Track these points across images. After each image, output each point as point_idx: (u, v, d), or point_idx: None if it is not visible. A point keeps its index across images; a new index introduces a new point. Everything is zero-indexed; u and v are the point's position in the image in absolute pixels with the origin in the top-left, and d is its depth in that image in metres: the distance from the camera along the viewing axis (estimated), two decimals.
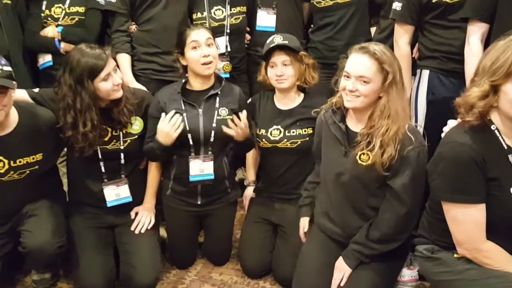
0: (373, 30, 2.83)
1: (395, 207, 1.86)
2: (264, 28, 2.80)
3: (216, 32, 2.57)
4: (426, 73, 2.30)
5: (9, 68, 1.90)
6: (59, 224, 2.17)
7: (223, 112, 2.31)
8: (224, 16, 2.72)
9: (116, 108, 2.18)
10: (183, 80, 2.36)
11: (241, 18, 2.78)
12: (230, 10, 2.74)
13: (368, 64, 1.83)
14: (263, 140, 2.39)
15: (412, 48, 2.41)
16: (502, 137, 1.59)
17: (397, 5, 2.31)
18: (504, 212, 1.57)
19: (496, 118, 1.59)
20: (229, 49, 2.74)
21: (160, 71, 2.66)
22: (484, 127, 1.59)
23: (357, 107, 1.87)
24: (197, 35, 2.26)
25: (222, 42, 2.68)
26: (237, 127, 2.21)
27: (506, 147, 1.58)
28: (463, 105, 1.61)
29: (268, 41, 2.34)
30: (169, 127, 2.18)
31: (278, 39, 2.29)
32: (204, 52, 2.24)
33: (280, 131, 2.37)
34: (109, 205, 2.27)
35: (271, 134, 2.38)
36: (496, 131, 1.59)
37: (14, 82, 1.90)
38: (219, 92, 2.33)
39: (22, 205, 2.16)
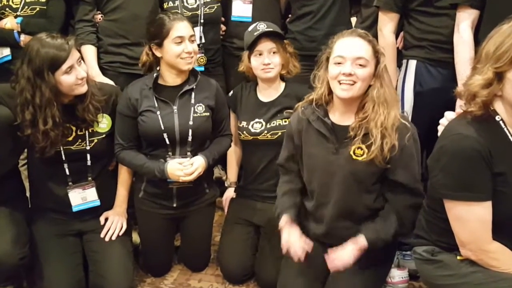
0: (353, 20, 2.73)
1: (409, 201, 1.77)
2: (240, 18, 2.68)
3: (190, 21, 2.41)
4: (413, 63, 2.20)
5: None
6: (20, 233, 2.01)
7: (200, 108, 2.19)
8: (198, 5, 2.57)
9: (80, 105, 2.01)
10: (155, 74, 2.19)
11: (215, 7, 2.64)
12: None
13: (363, 45, 1.75)
14: (244, 132, 2.32)
15: (396, 37, 2.32)
16: (507, 129, 1.48)
17: None
18: (509, 210, 1.46)
19: (500, 108, 1.48)
20: (203, 41, 2.60)
21: (129, 64, 2.51)
22: (488, 117, 1.48)
23: (354, 95, 1.75)
24: (182, 30, 2.11)
25: (196, 33, 2.51)
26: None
27: (511, 138, 1.47)
28: (465, 94, 1.50)
29: (250, 28, 2.24)
30: (183, 174, 2.09)
31: (262, 26, 2.20)
32: (188, 49, 2.10)
33: (262, 124, 2.30)
34: (74, 209, 2.11)
35: (252, 126, 2.30)
36: (501, 122, 1.48)
37: None
38: (194, 87, 2.19)
39: None
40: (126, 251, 2.18)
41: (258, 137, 2.28)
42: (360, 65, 1.73)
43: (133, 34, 2.46)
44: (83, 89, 1.97)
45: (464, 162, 1.43)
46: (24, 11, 2.42)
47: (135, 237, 2.42)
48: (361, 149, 1.75)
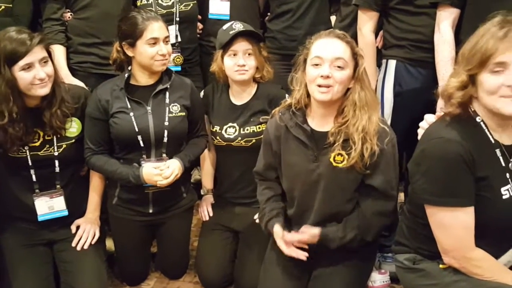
0: (333, 19, 2.69)
1: (380, 207, 1.74)
2: (217, 16, 2.62)
3: (165, 19, 2.32)
4: (392, 63, 2.16)
5: None
6: None
7: (175, 108, 2.11)
8: (173, 3, 2.50)
9: (48, 111, 1.91)
10: (126, 74, 2.10)
11: (191, 5, 2.57)
12: None
13: (342, 47, 1.71)
14: (217, 137, 2.24)
15: (376, 36, 2.27)
16: (488, 130, 1.44)
17: None
18: (495, 215, 1.42)
19: (479, 109, 1.45)
20: (179, 40, 2.53)
21: (101, 64, 2.43)
22: (469, 118, 1.44)
23: (332, 99, 1.70)
24: (158, 32, 2.02)
25: (172, 32, 2.45)
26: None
27: (493, 141, 1.44)
28: (443, 95, 1.47)
29: (225, 27, 2.16)
30: (160, 178, 2.02)
31: (238, 26, 2.12)
32: (163, 51, 2.02)
33: (236, 129, 2.22)
34: (40, 219, 2.01)
35: (225, 131, 2.23)
36: (481, 123, 1.44)
37: None
38: (168, 87, 2.12)
39: None
40: (99, 260, 2.09)
41: (232, 143, 2.21)
42: (339, 66, 1.68)
43: (104, 33, 2.38)
44: (43, 91, 1.86)
45: (447, 167, 1.39)
46: None
47: (110, 244, 2.33)
48: (341, 155, 1.70)
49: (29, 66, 1.81)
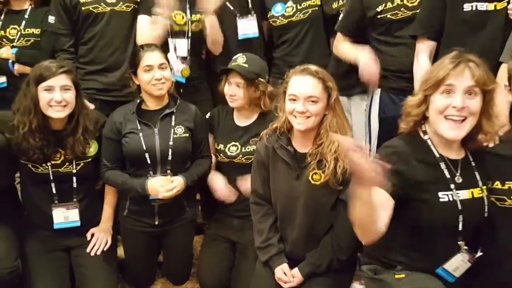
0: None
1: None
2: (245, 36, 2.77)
3: (178, 34, 2.60)
4: (377, 92, 2.36)
5: None
6: (11, 248, 2.16)
7: (180, 130, 2.32)
8: (185, 22, 2.66)
9: (71, 137, 2.18)
10: (138, 100, 2.36)
11: (201, 26, 2.72)
12: (191, 16, 2.69)
13: (313, 84, 1.90)
14: (221, 155, 2.43)
15: None
16: (434, 147, 1.67)
17: (341, 16, 2.43)
18: (432, 214, 1.63)
19: (429, 129, 1.68)
20: (188, 54, 2.66)
21: (104, 90, 2.64)
22: (418, 135, 1.69)
23: (309, 127, 1.91)
24: (151, 60, 2.27)
25: (184, 45, 2.65)
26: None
27: (438, 155, 1.67)
28: (403, 111, 1.71)
29: (233, 57, 2.39)
30: (163, 190, 2.21)
31: (240, 60, 2.33)
32: (157, 76, 2.26)
33: (238, 147, 2.41)
34: (56, 227, 2.25)
35: (229, 149, 2.42)
36: (428, 140, 1.68)
37: None
38: (174, 111, 2.35)
39: None
40: (111, 265, 2.32)
41: (234, 160, 2.39)
42: (312, 101, 1.89)
43: (108, 60, 2.57)
44: (57, 114, 2.12)
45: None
46: (20, 42, 2.59)
47: (121, 252, 2.54)
48: (318, 174, 1.90)
49: (50, 89, 2.10)
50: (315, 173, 1.92)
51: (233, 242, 2.47)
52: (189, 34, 2.66)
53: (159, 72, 2.27)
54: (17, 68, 2.55)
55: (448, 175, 1.65)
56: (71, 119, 2.18)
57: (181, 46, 2.58)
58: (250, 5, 2.76)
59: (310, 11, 2.68)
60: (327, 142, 1.88)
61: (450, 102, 1.58)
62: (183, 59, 2.60)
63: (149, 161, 2.28)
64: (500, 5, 2.02)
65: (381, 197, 1.55)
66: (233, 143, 2.42)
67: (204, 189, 2.54)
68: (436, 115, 1.61)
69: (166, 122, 2.33)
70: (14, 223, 2.28)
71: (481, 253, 1.68)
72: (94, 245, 2.31)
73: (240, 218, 2.45)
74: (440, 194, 1.62)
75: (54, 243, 2.29)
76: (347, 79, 2.48)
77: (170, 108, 2.35)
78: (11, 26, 2.60)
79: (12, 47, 2.59)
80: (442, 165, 1.65)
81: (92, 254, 2.28)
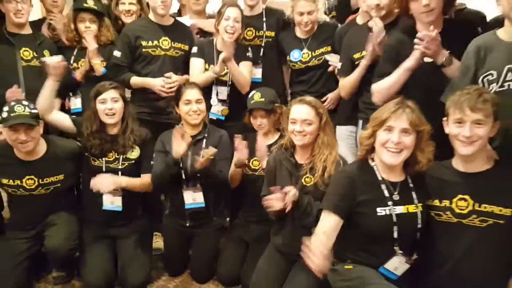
0: None
1: None
2: (252, 79, 3.22)
3: (220, 82, 3.12)
4: (360, 122, 2.87)
5: (36, 111, 2.62)
6: (72, 232, 2.77)
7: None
8: (226, 72, 3.11)
9: (122, 136, 2.82)
10: (177, 127, 2.88)
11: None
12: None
13: (308, 110, 2.43)
14: (246, 168, 2.87)
15: None
16: (378, 171, 2.09)
17: (339, 65, 2.95)
18: (371, 225, 2.05)
19: (376, 157, 2.11)
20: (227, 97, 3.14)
21: (153, 113, 3.20)
22: (367, 162, 2.12)
23: (305, 143, 2.43)
24: (190, 95, 2.82)
25: (224, 91, 3.14)
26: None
27: (380, 178, 2.09)
28: (359, 141, 2.17)
29: (250, 95, 2.89)
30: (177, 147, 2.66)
31: (256, 97, 2.82)
32: (193, 108, 2.82)
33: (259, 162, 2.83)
34: (104, 208, 2.77)
35: (252, 163, 2.87)
36: (374, 166, 2.11)
37: (41, 121, 2.62)
38: (205, 136, 2.89)
39: (46, 215, 2.78)
40: (146, 253, 2.89)
41: (255, 173, 2.85)
42: (308, 123, 2.41)
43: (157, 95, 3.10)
44: (109, 120, 2.79)
45: (336, 183, 2.10)
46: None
47: (160, 245, 3.12)
48: (309, 177, 2.42)
49: (104, 101, 2.76)
50: (307, 177, 2.43)
51: (247, 242, 2.94)
52: (229, 83, 3.14)
53: (196, 106, 2.83)
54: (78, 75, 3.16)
55: (387, 194, 2.07)
56: (123, 124, 2.82)
57: (222, 92, 3.12)
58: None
59: (323, 58, 3.16)
60: (318, 155, 2.40)
61: (390, 138, 2.01)
62: (223, 101, 3.15)
63: (183, 177, 2.81)
64: None
65: (333, 223, 2.02)
66: (255, 158, 2.82)
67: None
68: (379, 147, 2.06)
69: (198, 146, 2.85)
70: (75, 212, 2.86)
71: (417, 256, 2.07)
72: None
73: (253, 223, 2.93)
74: (378, 209, 2.04)
75: (104, 232, 2.87)
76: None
77: (201, 134, 2.89)
78: (82, 60, 3.19)
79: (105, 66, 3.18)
80: (383, 186, 2.08)
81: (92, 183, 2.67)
